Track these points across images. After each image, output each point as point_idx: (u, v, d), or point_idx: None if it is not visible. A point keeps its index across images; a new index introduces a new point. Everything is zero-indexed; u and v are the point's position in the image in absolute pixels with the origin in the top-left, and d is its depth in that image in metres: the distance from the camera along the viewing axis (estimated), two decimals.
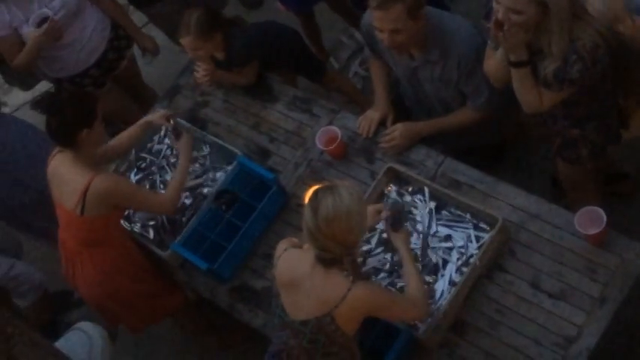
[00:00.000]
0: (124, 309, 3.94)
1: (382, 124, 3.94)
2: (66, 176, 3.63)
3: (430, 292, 3.42)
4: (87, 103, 3.60)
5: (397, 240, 3.26)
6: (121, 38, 4.68)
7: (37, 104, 3.58)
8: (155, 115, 4.00)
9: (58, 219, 3.77)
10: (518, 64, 3.27)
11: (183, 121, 4.13)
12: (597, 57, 3.17)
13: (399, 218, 3.27)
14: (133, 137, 4.01)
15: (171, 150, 4.18)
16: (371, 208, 3.27)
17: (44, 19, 4.25)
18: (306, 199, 2.97)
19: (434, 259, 3.50)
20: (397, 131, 3.82)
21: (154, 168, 4.16)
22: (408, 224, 3.53)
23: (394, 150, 3.82)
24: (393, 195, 3.67)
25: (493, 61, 3.43)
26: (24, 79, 4.98)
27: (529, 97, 3.35)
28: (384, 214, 3.26)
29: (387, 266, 3.54)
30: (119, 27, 4.68)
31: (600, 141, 3.57)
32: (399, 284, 3.46)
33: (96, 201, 3.56)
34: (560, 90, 3.27)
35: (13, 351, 2.44)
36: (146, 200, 3.78)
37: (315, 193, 2.93)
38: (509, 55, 3.27)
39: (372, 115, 3.93)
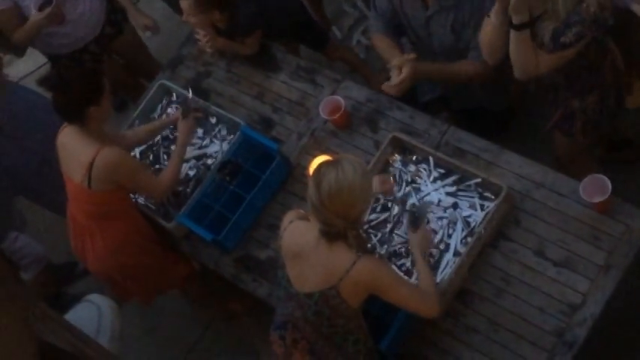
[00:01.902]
0: (133, 281, 3.96)
1: None
2: (73, 149, 3.62)
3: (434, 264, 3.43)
4: (94, 80, 3.56)
5: (412, 240, 3.27)
6: (117, 12, 4.66)
7: (43, 81, 3.53)
8: (177, 113, 4.00)
9: (67, 193, 3.77)
10: (520, 26, 3.21)
11: (187, 93, 4.12)
12: (601, 19, 3.15)
13: (419, 219, 3.30)
14: (155, 132, 4.08)
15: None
16: (376, 178, 3.25)
17: (47, 2, 4.22)
18: (311, 172, 2.96)
19: (437, 229, 3.50)
20: (405, 71, 3.69)
21: (157, 139, 4.14)
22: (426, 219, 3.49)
23: (399, 92, 3.73)
24: (398, 165, 3.66)
25: (490, 28, 3.37)
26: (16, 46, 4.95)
27: (525, 60, 3.30)
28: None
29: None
30: (114, 0, 4.66)
31: (595, 117, 3.56)
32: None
33: (101, 174, 3.56)
34: (552, 51, 3.23)
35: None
36: (146, 181, 3.74)
37: (319, 167, 2.92)
38: (513, 17, 3.20)
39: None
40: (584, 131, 3.60)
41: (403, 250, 3.51)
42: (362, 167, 2.94)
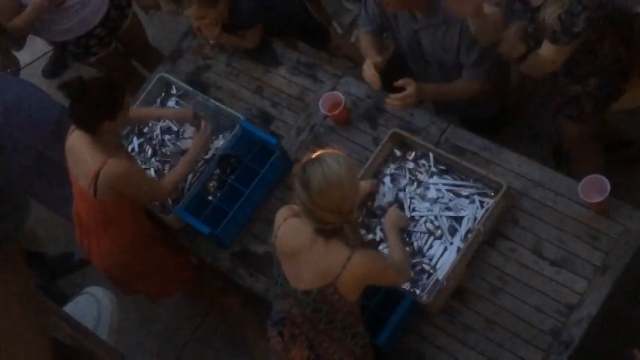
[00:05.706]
0: (138, 279, 3.95)
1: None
2: (81, 155, 3.56)
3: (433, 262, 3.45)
4: (114, 94, 3.47)
5: (385, 218, 3.43)
6: None
7: (64, 86, 3.46)
8: (184, 114, 4.04)
9: (73, 192, 3.71)
10: (522, 58, 3.39)
11: (186, 86, 4.11)
12: (602, 1, 3.20)
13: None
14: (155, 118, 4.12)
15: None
16: (362, 184, 3.38)
17: None
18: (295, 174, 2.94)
19: (435, 228, 3.51)
20: (411, 89, 3.69)
21: (156, 133, 4.14)
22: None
23: (404, 107, 3.75)
24: (395, 164, 3.67)
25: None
26: (16, 38, 4.91)
27: (541, 67, 3.40)
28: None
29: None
30: None
31: (603, 95, 3.59)
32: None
33: (106, 186, 3.50)
34: (569, 43, 3.27)
35: None
36: (149, 188, 3.71)
37: (302, 168, 2.88)
38: (511, 55, 3.42)
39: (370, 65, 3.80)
40: (596, 111, 3.65)
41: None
42: (345, 159, 2.92)
